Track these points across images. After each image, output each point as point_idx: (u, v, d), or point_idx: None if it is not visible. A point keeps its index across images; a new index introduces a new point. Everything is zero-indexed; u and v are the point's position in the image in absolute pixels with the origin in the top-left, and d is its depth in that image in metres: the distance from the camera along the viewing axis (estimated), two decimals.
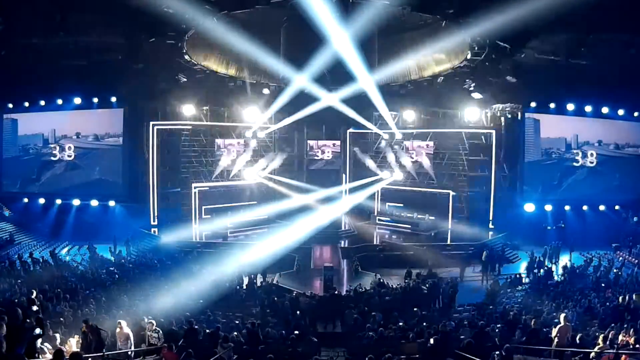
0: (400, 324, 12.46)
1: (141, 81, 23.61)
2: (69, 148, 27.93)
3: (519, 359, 9.41)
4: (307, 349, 10.26)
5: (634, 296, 12.89)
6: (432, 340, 9.88)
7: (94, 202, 27.93)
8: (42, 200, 28.37)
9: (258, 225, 28.37)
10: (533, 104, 26.60)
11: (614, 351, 8.84)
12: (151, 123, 26.84)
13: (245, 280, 18.52)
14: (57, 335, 9.16)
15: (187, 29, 19.91)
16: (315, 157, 31.21)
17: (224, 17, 19.46)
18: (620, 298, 13.59)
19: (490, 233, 26.61)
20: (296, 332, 11.34)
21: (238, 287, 17.90)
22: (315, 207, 28.21)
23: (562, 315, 10.76)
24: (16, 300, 10.91)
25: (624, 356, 8.62)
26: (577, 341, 9.69)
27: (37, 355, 7.62)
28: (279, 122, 28.83)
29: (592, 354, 9.09)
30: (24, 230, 27.39)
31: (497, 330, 11.54)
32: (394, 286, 17.42)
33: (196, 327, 10.85)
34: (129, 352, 9.76)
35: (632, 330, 10.25)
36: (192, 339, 10.02)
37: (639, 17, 16.66)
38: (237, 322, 13.18)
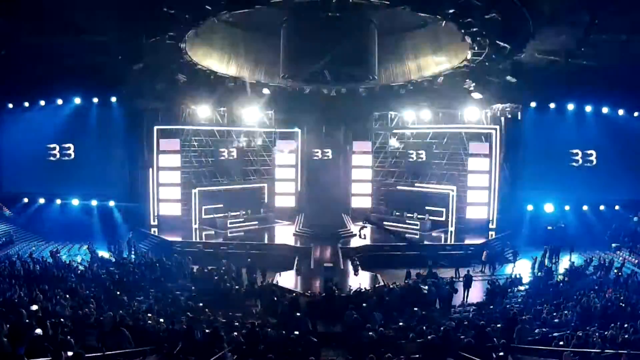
0: (401, 324, 12.46)
1: (141, 81, 23.55)
2: (69, 148, 27.92)
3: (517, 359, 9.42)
4: (307, 349, 10.26)
5: None
6: (429, 338, 9.88)
7: (94, 202, 27.99)
8: (42, 200, 28.40)
9: (257, 225, 28.35)
10: (533, 104, 26.58)
11: (614, 351, 8.84)
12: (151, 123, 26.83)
13: (245, 280, 18.52)
14: None
15: (187, 28, 19.83)
16: (315, 157, 31.14)
17: (224, 17, 19.41)
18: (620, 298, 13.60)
19: (491, 233, 26.60)
20: (296, 332, 11.33)
21: (237, 286, 17.89)
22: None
23: None
24: (16, 300, 10.90)
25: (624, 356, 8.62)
26: (577, 341, 9.70)
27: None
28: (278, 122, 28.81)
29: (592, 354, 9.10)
30: (24, 231, 27.39)
31: (497, 330, 11.54)
32: (394, 286, 17.40)
33: (196, 327, 10.84)
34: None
35: (632, 330, 10.26)
36: (191, 339, 10.01)
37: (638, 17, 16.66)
38: (236, 323, 13.17)
